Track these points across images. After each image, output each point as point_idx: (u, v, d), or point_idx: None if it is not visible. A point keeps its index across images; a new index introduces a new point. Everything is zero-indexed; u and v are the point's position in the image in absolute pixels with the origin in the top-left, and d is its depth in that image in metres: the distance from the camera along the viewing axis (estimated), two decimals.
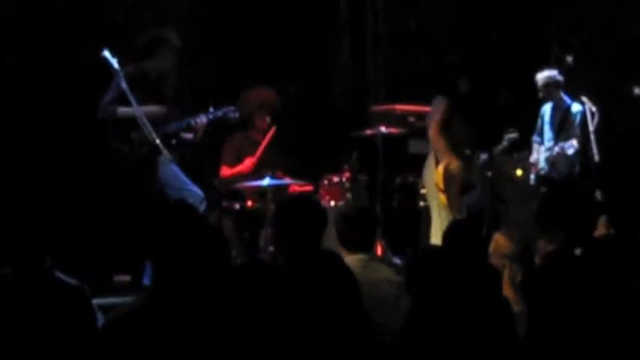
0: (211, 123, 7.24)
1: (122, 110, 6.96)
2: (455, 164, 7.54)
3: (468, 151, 7.71)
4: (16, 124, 7.73)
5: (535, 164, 8.64)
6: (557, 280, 3.52)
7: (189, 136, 7.22)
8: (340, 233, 5.31)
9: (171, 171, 7.14)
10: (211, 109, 7.24)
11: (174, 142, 7.13)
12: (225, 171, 8.07)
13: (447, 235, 5.20)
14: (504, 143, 8.39)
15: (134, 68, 7.12)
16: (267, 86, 8.31)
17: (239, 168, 8.03)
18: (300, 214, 4.56)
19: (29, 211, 3.62)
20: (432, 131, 7.53)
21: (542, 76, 8.58)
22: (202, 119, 7.15)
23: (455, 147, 7.59)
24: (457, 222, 5.82)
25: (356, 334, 3.21)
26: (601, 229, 5.90)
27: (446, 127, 7.58)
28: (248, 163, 8.01)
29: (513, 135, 8.39)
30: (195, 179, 8.64)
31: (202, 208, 7.07)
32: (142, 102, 6.98)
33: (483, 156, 8.04)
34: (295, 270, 3.24)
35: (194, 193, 7.12)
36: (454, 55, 8.35)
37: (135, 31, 7.71)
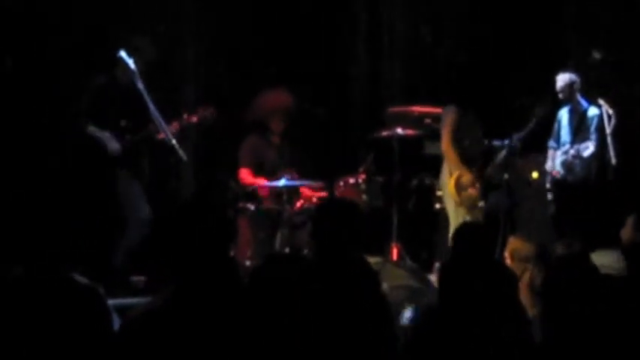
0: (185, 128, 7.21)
1: (92, 129, 7.07)
2: (466, 177, 7.68)
3: (479, 158, 7.78)
4: (17, 124, 7.74)
5: (551, 171, 8.60)
6: (569, 284, 3.50)
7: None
8: None
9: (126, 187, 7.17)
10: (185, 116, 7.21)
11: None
12: (246, 176, 8.02)
13: (456, 238, 5.17)
14: (530, 125, 8.11)
15: (105, 78, 7.18)
16: (282, 89, 8.31)
17: (260, 181, 8.00)
18: (342, 217, 4.49)
19: (36, 211, 3.63)
20: (444, 144, 7.76)
21: (564, 77, 8.57)
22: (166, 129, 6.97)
23: (466, 157, 7.70)
24: (466, 224, 5.80)
25: (379, 335, 3.20)
26: (628, 230, 5.85)
27: (456, 136, 7.71)
28: (264, 183, 7.99)
29: (541, 110, 8.14)
30: (210, 179, 8.68)
31: (143, 232, 7.11)
32: (112, 113, 7.07)
33: (505, 142, 8.00)
34: (329, 273, 3.23)
35: (137, 215, 7.14)
36: (464, 56, 8.36)
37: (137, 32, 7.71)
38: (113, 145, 7.10)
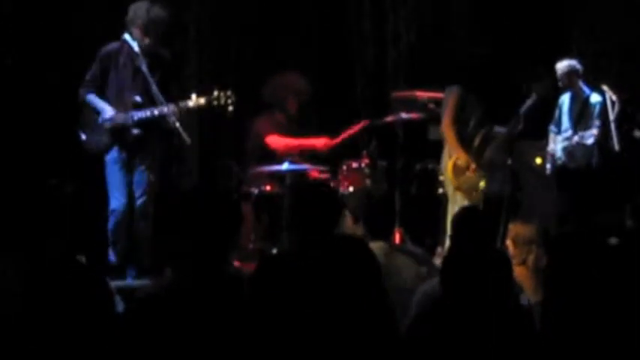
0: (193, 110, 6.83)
1: (90, 97, 6.88)
2: (462, 159, 7.60)
3: (477, 140, 7.74)
4: (17, 123, 7.75)
5: (552, 154, 8.61)
6: (572, 266, 3.51)
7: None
8: (364, 220, 5.34)
9: (110, 174, 6.99)
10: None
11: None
12: (276, 140, 8.02)
13: (455, 223, 5.16)
14: (530, 101, 8.08)
15: (168, 53, 7.05)
16: (295, 72, 8.33)
17: (312, 142, 8.05)
18: (314, 200, 4.52)
19: (37, 200, 3.63)
20: (444, 122, 7.66)
21: (562, 65, 8.58)
22: (165, 109, 6.77)
23: (464, 138, 7.65)
24: (466, 209, 5.78)
25: (379, 320, 3.20)
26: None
27: (457, 118, 7.65)
28: (323, 141, 7.99)
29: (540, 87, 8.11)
30: (213, 164, 8.67)
31: (111, 221, 6.93)
32: (165, 87, 6.91)
33: (501, 129, 8.00)
34: (310, 257, 3.24)
35: (114, 204, 6.96)
36: (476, 48, 8.34)
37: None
38: (108, 111, 6.85)
